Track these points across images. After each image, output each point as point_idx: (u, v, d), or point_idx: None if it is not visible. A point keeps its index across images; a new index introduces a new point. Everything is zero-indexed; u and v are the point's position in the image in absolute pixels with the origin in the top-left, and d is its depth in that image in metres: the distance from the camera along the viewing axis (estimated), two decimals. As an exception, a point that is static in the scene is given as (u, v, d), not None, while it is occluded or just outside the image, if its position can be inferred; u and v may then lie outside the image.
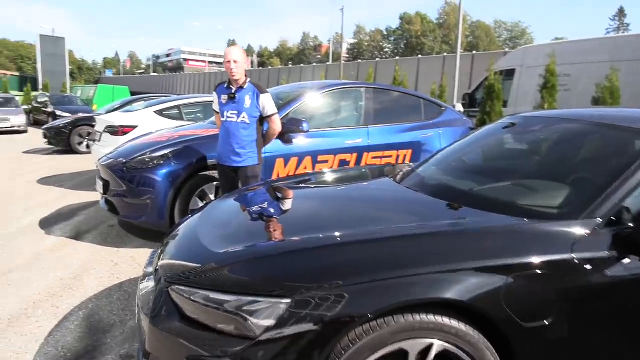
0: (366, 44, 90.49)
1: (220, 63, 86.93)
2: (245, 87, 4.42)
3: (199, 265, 2.22)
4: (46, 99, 22.65)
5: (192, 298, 2.02)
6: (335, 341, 1.82)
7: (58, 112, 19.76)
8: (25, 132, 20.15)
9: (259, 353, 1.82)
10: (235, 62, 4.31)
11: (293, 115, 5.48)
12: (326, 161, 5.60)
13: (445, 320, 1.88)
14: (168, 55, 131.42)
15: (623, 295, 2.08)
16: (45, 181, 9.25)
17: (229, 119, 4.43)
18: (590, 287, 2.02)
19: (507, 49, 34.49)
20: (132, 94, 25.64)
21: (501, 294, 1.89)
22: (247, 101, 4.38)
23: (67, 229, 6.02)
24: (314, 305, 1.82)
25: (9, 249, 5.25)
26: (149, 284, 2.48)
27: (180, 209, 5.05)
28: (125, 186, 5.14)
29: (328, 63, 41.62)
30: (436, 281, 1.88)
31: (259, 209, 3.00)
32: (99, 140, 8.58)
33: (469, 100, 12.35)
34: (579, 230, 2.08)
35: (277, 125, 4.59)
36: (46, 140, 13.85)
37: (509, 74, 11.32)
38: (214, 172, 4.94)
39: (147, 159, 5.16)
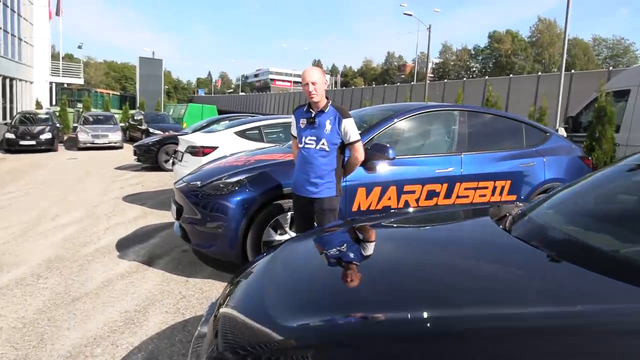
0: (452, 63, 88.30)
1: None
2: (326, 110, 3.97)
3: (261, 334, 1.76)
4: (141, 117, 23.91)
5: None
6: None
7: (151, 130, 20.72)
8: (121, 148, 21.32)
9: None
10: (313, 83, 3.89)
11: (377, 140, 4.98)
12: (413, 191, 5.01)
13: None
14: (256, 76, 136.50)
15: None
16: (129, 198, 9.42)
17: (307, 145, 4.00)
18: None
19: (611, 68, 31.77)
20: (221, 112, 26.45)
21: None
22: (328, 126, 3.92)
23: (141, 252, 5.89)
24: None
25: (83, 272, 5.16)
26: (205, 331, 2.15)
27: (253, 241, 4.68)
28: (197, 213, 4.86)
29: (412, 83, 40.79)
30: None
31: (340, 260, 2.48)
32: (181, 160, 8.57)
33: (572, 124, 11.15)
34: None
35: (359, 154, 4.07)
36: (135, 157, 14.39)
37: (621, 95, 10.06)
38: (290, 201, 4.52)
39: (220, 185, 4.86)
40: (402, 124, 5.38)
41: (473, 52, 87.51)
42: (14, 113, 23.55)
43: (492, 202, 5.39)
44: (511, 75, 33.11)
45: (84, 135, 20.79)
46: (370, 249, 2.65)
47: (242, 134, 8.63)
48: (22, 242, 6.34)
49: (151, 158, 13.97)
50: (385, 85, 46.68)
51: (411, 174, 5.04)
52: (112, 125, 22.28)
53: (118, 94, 57.52)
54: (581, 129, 10.69)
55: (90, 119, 22.86)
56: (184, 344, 3.57)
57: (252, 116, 12.02)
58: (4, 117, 22.31)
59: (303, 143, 4.02)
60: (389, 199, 4.92)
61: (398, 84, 48.30)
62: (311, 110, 4.01)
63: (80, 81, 39.58)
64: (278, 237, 4.78)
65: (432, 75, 75.40)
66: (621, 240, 2.28)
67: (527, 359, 1.39)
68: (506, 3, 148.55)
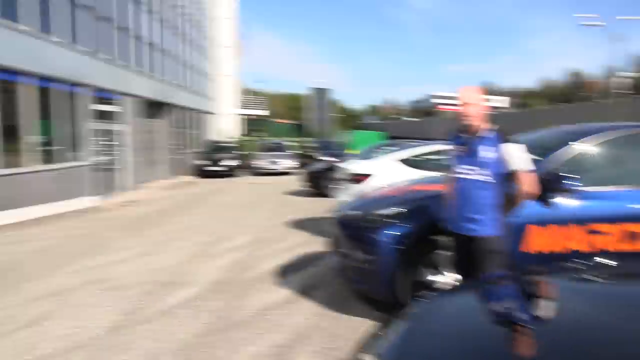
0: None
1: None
2: (486, 135, 3.46)
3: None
4: (312, 144, 25.24)
5: None
6: None
7: (321, 157, 21.65)
8: (292, 174, 22.64)
9: None
10: (469, 104, 3.42)
11: (555, 168, 4.21)
12: (604, 233, 4.10)
13: None
14: (423, 101, 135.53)
15: None
16: (296, 224, 9.71)
17: (464, 176, 3.52)
18: None
19: None
20: (389, 138, 26.56)
21: None
22: (488, 153, 3.40)
23: (299, 281, 5.88)
24: None
25: (243, 298, 5.30)
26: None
27: (405, 280, 4.28)
28: (348, 245, 4.66)
29: (599, 100, 36.12)
30: None
31: (513, 322, 1.96)
32: (341, 188, 8.57)
33: None
34: None
35: (529, 185, 3.43)
36: (305, 183, 15.03)
37: None
38: (448, 238, 4.02)
39: (372, 217, 4.59)
40: (589, 150, 4.51)
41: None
42: (203, 142, 26.77)
43: None
44: None
45: (260, 162, 22.71)
46: (550, 308, 2.07)
47: (402, 161, 8.31)
48: (195, 262, 6.86)
49: (319, 184, 14.43)
50: (567, 104, 42.12)
51: (601, 210, 4.15)
52: (286, 153, 23.95)
53: (292, 122, 62.03)
54: None
55: (267, 146, 24.90)
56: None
57: (417, 142, 11.62)
58: (195, 146, 25.48)
59: (460, 173, 3.55)
60: (573, 241, 4.10)
61: (583, 102, 43.24)
62: (468, 135, 3.53)
63: (265, 113, 43.58)
64: (434, 278, 4.30)
65: (631, 92, 66.04)
66: None
67: None
68: None
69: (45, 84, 11.66)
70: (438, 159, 8.40)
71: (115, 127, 15.52)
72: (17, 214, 10.25)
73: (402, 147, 9.16)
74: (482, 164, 3.41)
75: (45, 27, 11.47)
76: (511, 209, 3.56)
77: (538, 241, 4.09)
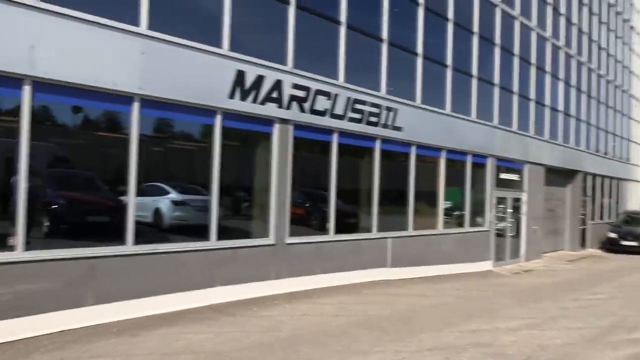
0: None
1: None
2: None
3: None
4: None
5: None
6: None
7: None
8: None
9: None
10: None
11: None
12: None
13: None
14: None
15: None
16: None
17: None
18: None
19: None
20: None
21: None
22: None
23: None
24: None
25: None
26: None
27: None
28: None
29: None
30: None
31: None
32: None
33: None
34: None
35: None
36: None
37: None
38: None
39: None
40: None
41: None
42: (618, 213, 23.70)
43: None
44: None
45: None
46: None
47: None
48: (588, 347, 6.23)
49: None
50: None
51: None
52: None
53: None
54: None
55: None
56: None
57: None
58: (609, 216, 22.82)
59: None
60: None
61: None
62: None
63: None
64: None
65: None
66: None
67: None
68: None
69: (457, 157, 13.21)
70: None
71: (514, 194, 15.85)
72: (425, 270, 11.75)
73: None
74: None
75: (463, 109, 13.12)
76: None
77: None
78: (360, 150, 10.79)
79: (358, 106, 10.12)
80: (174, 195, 8.27)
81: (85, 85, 6.34)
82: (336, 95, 9.65)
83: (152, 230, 8.06)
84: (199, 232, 7.83)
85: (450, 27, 12.89)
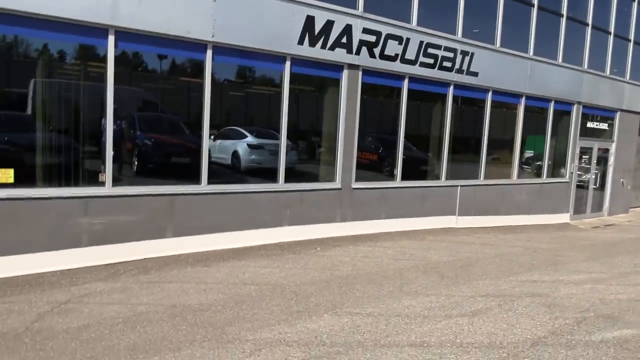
0: None
1: None
2: None
3: None
4: None
5: None
6: None
7: None
8: None
9: None
10: None
11: None
12: None
13: None
14: None
15: None
16: None
17: None
18: None
19: None
20: None
21: None
22: None
23: None
24: None
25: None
26: None
27: None
28: None
29: None
30: None
31: None
32: None
33: None
34: None
35: None
36: None
37: None
38: None
39: None
40: None
41: None
42: None
43: None
44: None
45: None
46: None
47: None
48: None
49: None
50: None
51: None
52: None
53: None
54: None
55: None
56: None
57: None
58: None
59: None
60: None
61: None
62: None
63: None
64: None
65: None
66: None
67: None
68: None
69: (538, 104, 12.53)
70: None
71: (602, 144, 14.84)
72: (496, 220, 11.56)
73: None
74: None
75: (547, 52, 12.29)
76: None
77: None
78: (431, 96, 10.57)
79: (431, 50, 9.84)
80: (250, 139, 8.71)
81: (161, 33, 6.74)
82: (408, 39, 9.42)
83: (230, 171, 8.62)
84: (270, 174, 8.25)
85: (538, -38, 11.89)
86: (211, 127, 7.60)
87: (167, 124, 8.49)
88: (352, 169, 9.04)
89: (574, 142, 13.61)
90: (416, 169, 10.55)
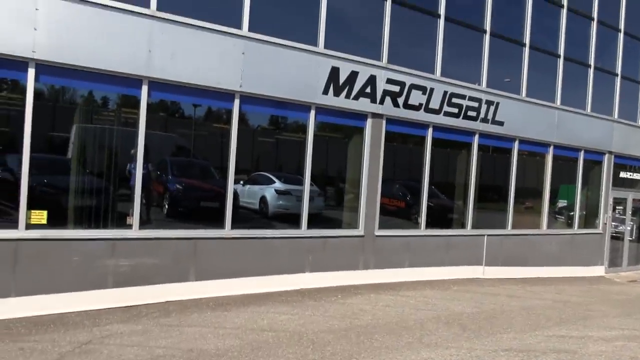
0: None
1: None
2: None
3: None
4: None
5: None
6: None
7: None
8: None
9: None
10: None
11: None
12: None
13: None
14: None
15: None
16: None
17: None
18: None
19: None
20: None
21: None
22: None
23: None
24: None
25: None
26: None
27: None
28: None
29: None
30: None
31: None
32: None
33: None
34: None
35: None
36: None
37: None
38: None
39: None
40: None
41: None
42: None
43: None
44: None
45: None
46: None
47: None
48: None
49: None
50: None
51: None
52: None
53: None
54: None
55: None
56: None
57: None
58: None
59: None
60: None
61: None
62: None
63: None
64: None
65: None
66: None
67: None
68: None
69: (567, 153, 12.39)
70: None
71: (637, 196, 14.41)
72: (524, 271, 11.25)
73: None
74: None
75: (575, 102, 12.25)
76: None
77: None
78: (456, 144, 10.61)
79: (455, 100, 9.96)
80: (278, 184, 8.88)
81: (192, 84, 7.09)
82: (432, 89, 9.58)
83: (257, 216, 8.75)
84: (297, 219, 8.33)
85: (563, 13, 12.03)
86: (241, 172, 7.85)
87: (198, 168, 8.76)
88: (375, 216, 9.05)
89: (607, 192, 13.30)
90: (442, 217, 10.48)
